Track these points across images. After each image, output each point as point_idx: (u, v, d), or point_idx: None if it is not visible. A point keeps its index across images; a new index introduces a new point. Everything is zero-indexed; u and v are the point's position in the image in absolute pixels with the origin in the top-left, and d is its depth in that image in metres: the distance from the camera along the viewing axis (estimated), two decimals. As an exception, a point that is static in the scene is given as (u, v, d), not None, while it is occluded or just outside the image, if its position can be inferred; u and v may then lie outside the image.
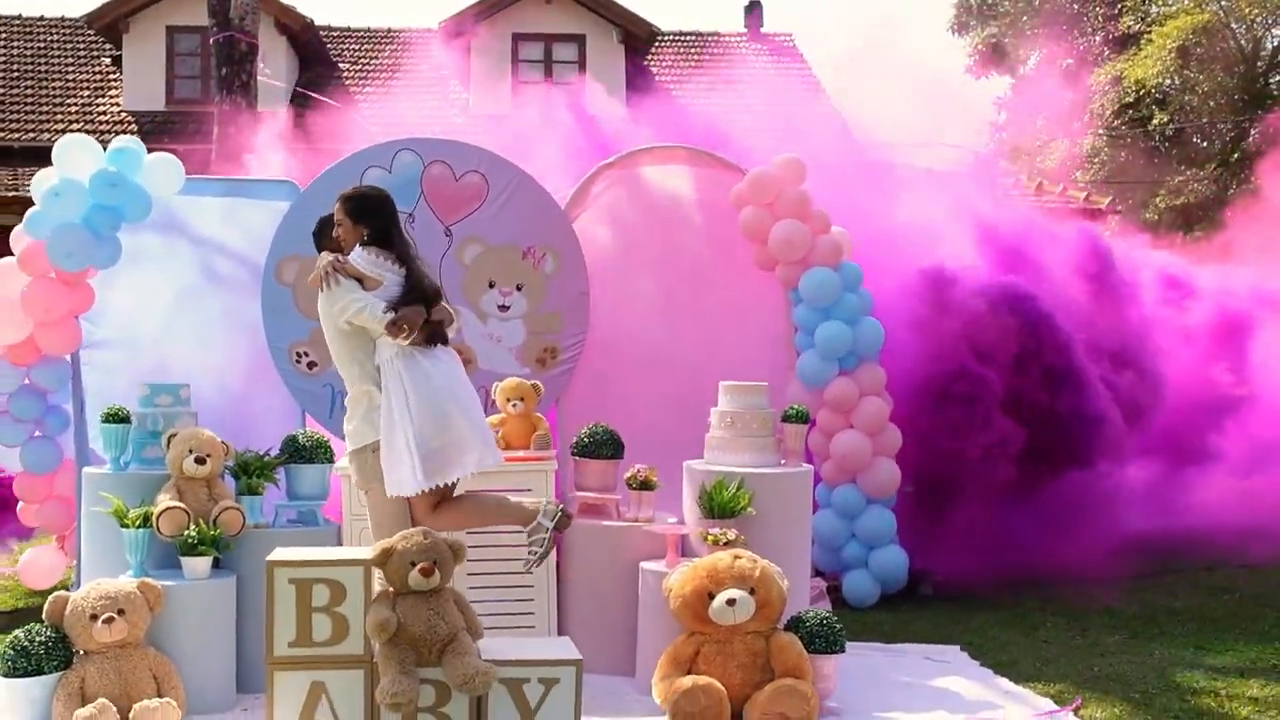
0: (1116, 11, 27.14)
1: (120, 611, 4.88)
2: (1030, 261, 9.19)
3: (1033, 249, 9.45)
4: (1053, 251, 9.58)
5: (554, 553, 5.68)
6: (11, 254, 6.94)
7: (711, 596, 5.13)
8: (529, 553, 5.06)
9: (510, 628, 5.78)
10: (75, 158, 6.62)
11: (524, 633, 5.83)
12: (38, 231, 6.54)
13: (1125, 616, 7.21)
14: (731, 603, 5.08)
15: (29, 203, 6.79)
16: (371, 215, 5.04)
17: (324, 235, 5.32)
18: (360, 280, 4.94)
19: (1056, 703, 5.44)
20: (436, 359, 5.01)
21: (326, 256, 5.02)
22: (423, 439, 4.85)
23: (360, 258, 4.97)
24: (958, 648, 6.46)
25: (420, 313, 4.93)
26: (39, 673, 4.78)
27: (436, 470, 4.88)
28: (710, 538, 5.55)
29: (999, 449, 7.86)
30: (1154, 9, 27.02)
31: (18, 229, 6.74)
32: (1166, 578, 8.29)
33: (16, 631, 4.91)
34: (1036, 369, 8.31)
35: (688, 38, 21.97)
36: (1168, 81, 25.03)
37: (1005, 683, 5.79)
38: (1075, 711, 5.32)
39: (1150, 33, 25.40)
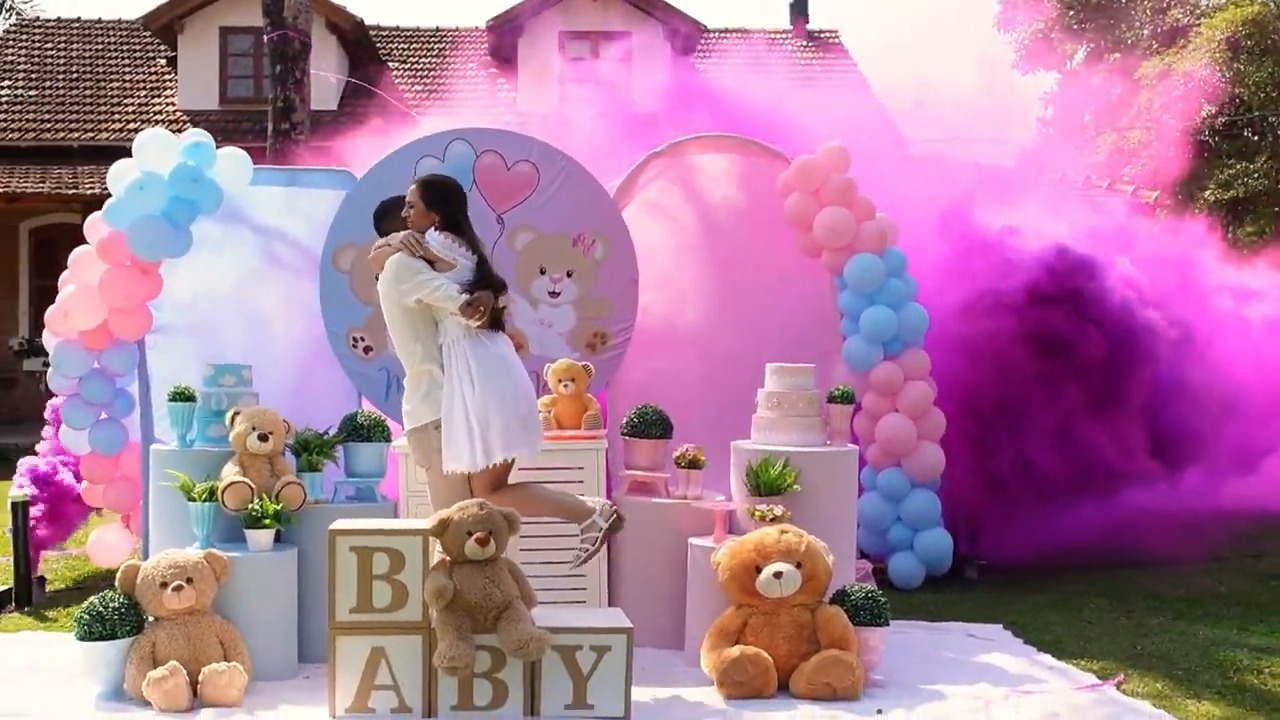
0: (1165, 5, 26.89)
1: (189, 580, 5.07)
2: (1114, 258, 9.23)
3: (1118, 246, 9.49)
4: (1135, 249, 9.63)
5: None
6: (75, 247, 7.22)
7: (758, 570, 5.25)
8: (579, 550, 5.22)
9: (562, 602, 5.92)
10: (155, 152, 6.86)
11: (575, 607, 5.97)
12: (117, 222, 6.77)
13: (1169, 599, 7.25)
14: (778, 575, 5.19)
15: (90, 199, 7.03)
16: (444, 202, 5.23)
17: (385, 219, 5.51)
18: (431, 263, 5.12)
19: (1099, 678, 5.50)
20: (498, 343, 5.20)
21: (397, 236, 5.19)
22: (483, 417, 5.02)
23: (435, 241, 5.15)
24: (1001, 626, 6.53)
25: (491, 298, 5.11)
26: (113, 637, 4.99)
27: (495, 448, 5.05)
28: (757, 513, 5.66)
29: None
30: (1203, 2, 26.75)
31: (94, 218, 6.98)
32: (1212, 564, 8.30)
33: (91, 598, 5.12)
34: (1151, 369, 8.43)
35: (733, 35, 22.07)
36: (1217, 75, 24.73)
37: (1048, 659, 5.86)
38: (1118, 687, 5.38)
39: (1199, 25, 25.14)
